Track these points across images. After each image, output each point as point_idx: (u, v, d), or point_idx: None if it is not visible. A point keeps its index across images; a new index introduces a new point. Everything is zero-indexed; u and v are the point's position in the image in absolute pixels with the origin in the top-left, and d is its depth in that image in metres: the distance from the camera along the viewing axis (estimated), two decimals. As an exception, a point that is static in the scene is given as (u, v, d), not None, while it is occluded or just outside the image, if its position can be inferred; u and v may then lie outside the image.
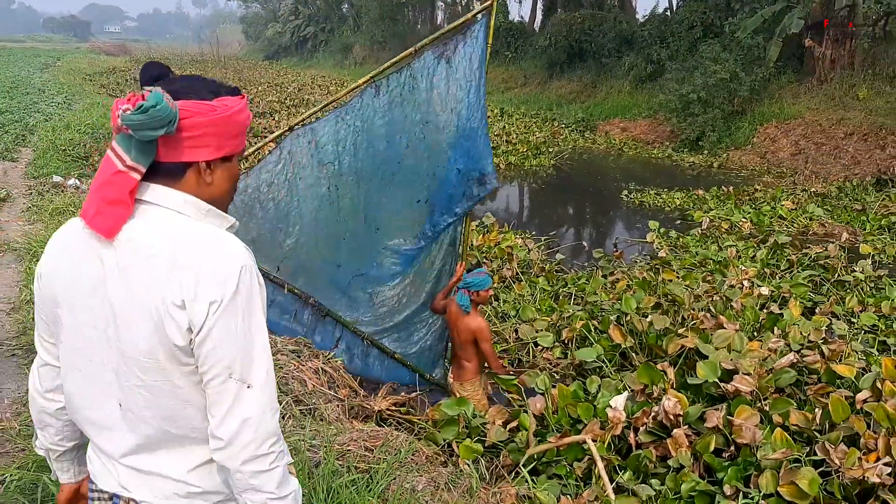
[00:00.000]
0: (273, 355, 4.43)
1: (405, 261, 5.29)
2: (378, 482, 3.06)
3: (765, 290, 7.07)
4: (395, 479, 3.15)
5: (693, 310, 6.53)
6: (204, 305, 1.48)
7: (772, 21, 19.06)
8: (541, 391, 4.97)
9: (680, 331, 5.89)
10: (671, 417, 4.27)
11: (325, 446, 3.16)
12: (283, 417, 3.66)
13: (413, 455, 3.49)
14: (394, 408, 4.81)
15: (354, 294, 5.39)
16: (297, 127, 4.91)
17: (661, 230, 10.62)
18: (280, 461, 1.60)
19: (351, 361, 5.42)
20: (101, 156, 11.75)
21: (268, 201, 4.98)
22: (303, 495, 2.87)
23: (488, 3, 4.88)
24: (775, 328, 6.18)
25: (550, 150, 19.33)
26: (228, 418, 1.53)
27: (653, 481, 4.08)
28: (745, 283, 7.37)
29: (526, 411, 4.71)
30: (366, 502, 2.82)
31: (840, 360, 5.33)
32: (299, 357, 4.60)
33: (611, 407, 4.44)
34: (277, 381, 4.15)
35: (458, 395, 5.08)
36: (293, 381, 4.20)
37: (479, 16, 4.90)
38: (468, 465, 3.57)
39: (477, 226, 10.20)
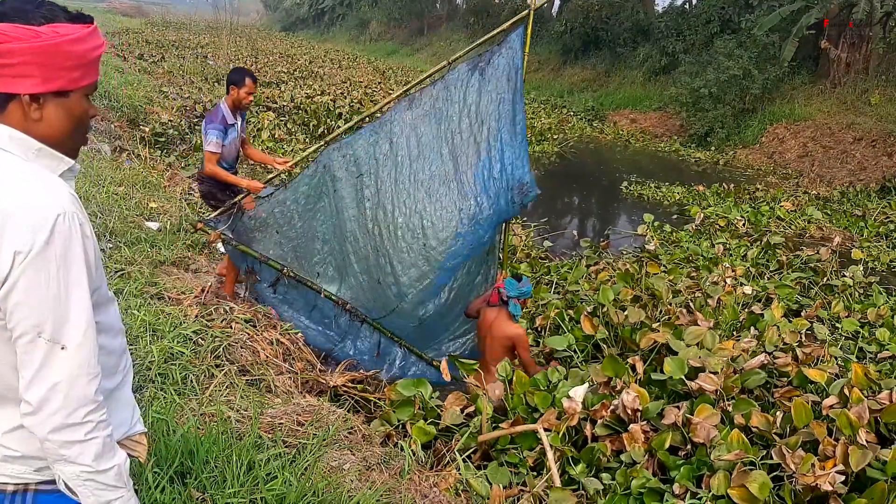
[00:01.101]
0: (227, 323, 4.36)
1: (449, 273, 5.41)
2: (304, 458, 2.96)
3: (748, 289, 6.93)
4: (322, 456, 3.05)
5: (671, 304, 6.40)
6: (8, 254, 1.35)
7: (789, 20, 18.75)
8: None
9: (654, 325, 5.77)
10: (629, 412, 4.16)
11: (253, 417, 3.06)
12: (222, 386, 3.57)
13: (348, 433, 3.38)
14: (350, 384, 4.71)
15: (402, 307, 5.44)
16: (332, 142, 5.22)
17: (656, 224, 10.48)
18: (99, 432, 1.46)
19: (390, 370, 5.54)
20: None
21: (305, 212, 5.32)
22: (216, 467, 2.79)
23: (524, 13, 5.07)
24: (753, 328, 6.06)
25: (555, 137, 19.12)
26: (37, 381, 1.40)
27: (604, 475, 3.98)
28: (730, 280, 7.23)
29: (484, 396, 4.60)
30: (284, 479, 2.72)
31: (815, 365, 5.21)
32: (255, 326, 4.50)
33: (568, 397, 4.33)
34: (227, 348, 4.06)
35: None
36: (243, 351, 4.10)
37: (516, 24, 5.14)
38: (404, 446, 3.46)
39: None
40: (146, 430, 1.77)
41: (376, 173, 5.18)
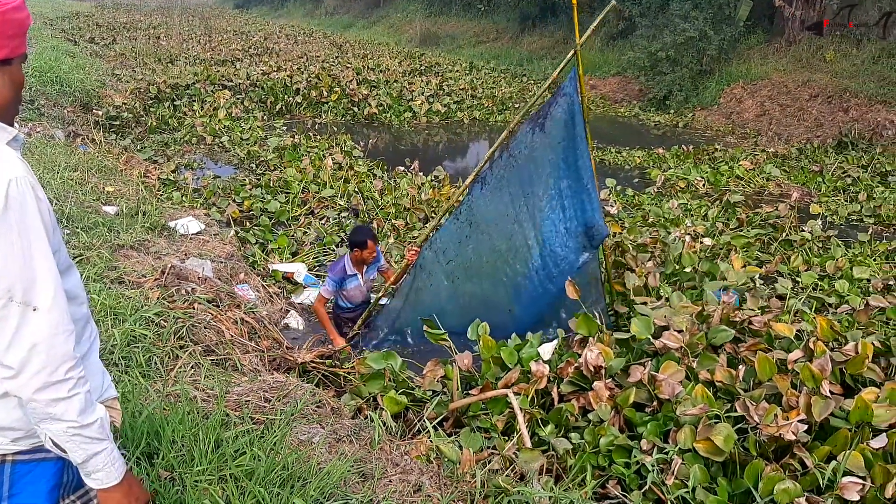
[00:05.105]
0: (189, 304, 4.31)
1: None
2: (273, 433, 2.95)
3: (707, 240, 7.08)
4: (290, 430, 3.04)
5: (635, 257, 6.45)
6: None
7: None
8: (474, 340, 4.88)
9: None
10: (591, 368, 4.20)
11: (219, 396, 3.04)
12: (186, 367, 3.53)
13: (317, 407, 3.38)
14: (318, 360, 4.70)
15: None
16: (423, 244, 5.42)
17: (619, 188, 10.54)
18: (80, 388, 1.50)
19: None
20: (47, 100, 11.38)
21: (414, 310, 5.46)
22: (183, 447, 2.77)
23: (571, 54, 4.95)
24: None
25: (516, 106, 19.09)
26: (15, 344, 1.43)
27: (573, 435, 4.03)
28: (689, 236, 7.32)
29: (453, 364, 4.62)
30: (253, 454, 2.71)
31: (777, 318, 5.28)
32: (218, 306, 4.46)
33: (537, 358, 4.38)
34: (191, 328, 4.02)
35: None
36: (207, 331, 4.06)
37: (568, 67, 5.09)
38: (374, 417, 3.47)
39: (430, 179, 10.06)
40: (118, 395, 1.79)
41: (464, 254, 5.36)
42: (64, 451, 1.54)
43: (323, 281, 5.80)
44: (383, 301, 5.74)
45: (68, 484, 1.71)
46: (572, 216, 5.29)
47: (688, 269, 6.31)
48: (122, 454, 2.60)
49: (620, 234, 7.37)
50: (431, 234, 5.46)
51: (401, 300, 5.49)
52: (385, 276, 5.95)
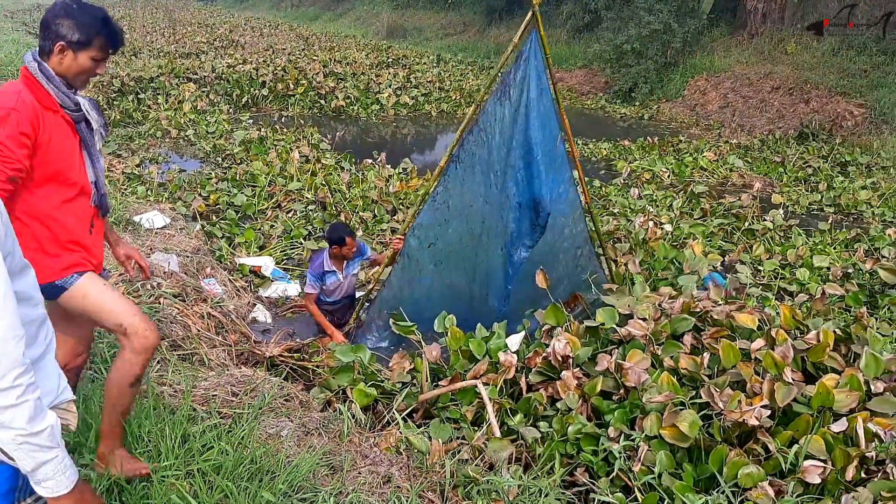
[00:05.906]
0: (155, 299, 4.27)
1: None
2: (241, 427, 2.94)
3: (667, 227, 7.20)
4: (258, 424, 3.03)
5: (614, 246, 6.54)
6: None
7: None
8: (441, 332, 4.89)
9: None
10: (559, 358, 4.24)
11: (186, 391, 3.02)
12: (153, 362, 3.50)
13: (285, 400, 3.37)
14: (286, 354, 4.68)
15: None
16: (407, 231, 5.25)
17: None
18: (30, 394, 1.46)
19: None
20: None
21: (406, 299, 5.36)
22: (150, 442, 2.75)
23: (529, 14, 4.82)
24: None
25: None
26: None
27: (541, 424, 4.07)
28: (651, 223, 7.42)
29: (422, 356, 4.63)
30: (220, 448, 2.70)
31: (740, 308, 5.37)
32: (184, 301, 4.42)
33: (505, 349, 4.40)
34: (156, 323, 3.98)
35: None
36: (173, 326, 4.03)
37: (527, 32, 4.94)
38: (343, 409, 3.47)
39: (398, 172, 10.05)
40: (74, 397, 1.76)
41: (445, 238, 5.26)
42: (12, 459, 1.51)
43: (297, 277, 5.77)
44: (374, 293, 5.70)
45: (25, 487, 1.68)
46: (524, 189, 5.21)
47: (661, 259, 6.40)
48: (90, 455, 2.59)
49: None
50: (413, 221, 5.40)
51: (391, 291, 5.41)
52: (378, 263, 5.96)
